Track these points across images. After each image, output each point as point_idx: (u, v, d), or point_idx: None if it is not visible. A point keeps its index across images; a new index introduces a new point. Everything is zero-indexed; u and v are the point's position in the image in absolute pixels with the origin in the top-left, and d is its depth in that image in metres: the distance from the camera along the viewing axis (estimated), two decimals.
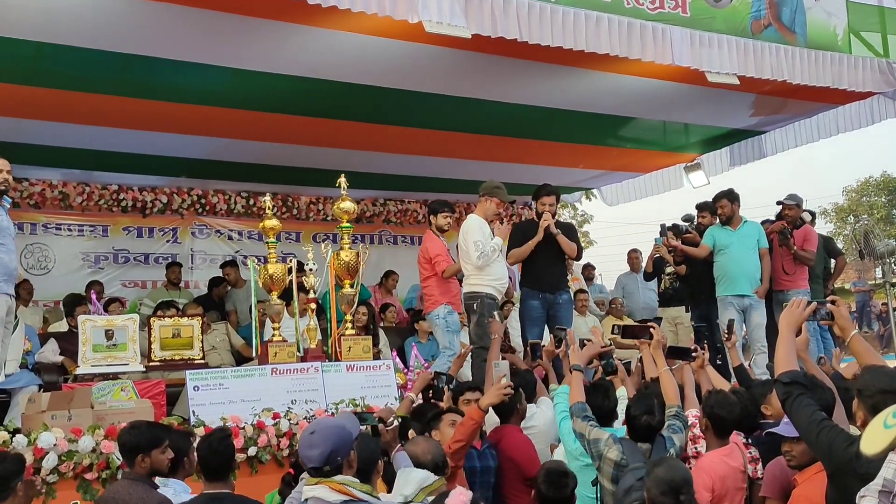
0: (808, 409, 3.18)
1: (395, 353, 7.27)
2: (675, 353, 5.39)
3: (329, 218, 11.29)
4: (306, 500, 3.23)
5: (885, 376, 3.04)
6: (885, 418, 0.95)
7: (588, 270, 12.25)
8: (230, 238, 11.48)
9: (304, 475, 3.44)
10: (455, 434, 4.39)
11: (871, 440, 0.91)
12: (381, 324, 9.64)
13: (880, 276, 16.68)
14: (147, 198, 10.74)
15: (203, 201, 11.10)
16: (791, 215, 8.55)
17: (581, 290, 10.45)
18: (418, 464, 3.84)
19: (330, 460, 3.23)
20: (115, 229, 10.77)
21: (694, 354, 5.23)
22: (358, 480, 3.27)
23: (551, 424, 5.24)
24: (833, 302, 3.68)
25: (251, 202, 11.25)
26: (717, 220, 8.43)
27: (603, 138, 10.05)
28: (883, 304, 20.74)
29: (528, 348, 6.68)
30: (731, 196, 8.36)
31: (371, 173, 10.40)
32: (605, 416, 4.66)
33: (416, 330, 9.03)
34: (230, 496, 3.53)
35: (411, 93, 7.81)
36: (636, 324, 5.94)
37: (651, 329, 4.98)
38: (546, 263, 7.58)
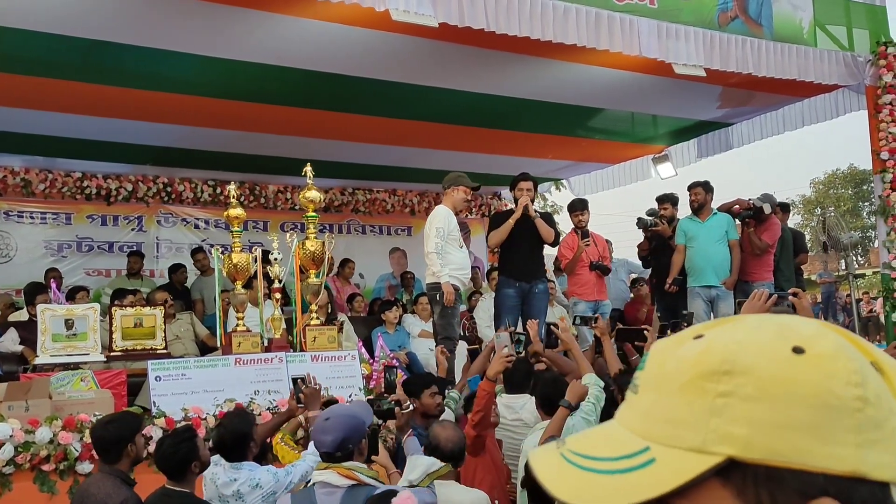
0: None
1: (360, 344, 7.23)
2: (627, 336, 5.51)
3: (297, 207, 11.18)
4: (314, 483, 3.32)
5: None
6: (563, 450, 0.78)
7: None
8: (196, 227, 11.38)
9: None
10: (474, 407, 4.61)
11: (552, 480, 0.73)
12: (349, 314, 9.61)
13: (844, 267, 16.90)
14: (112, 185, 10.61)
15: (169, 189, 10.99)
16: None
17: (549, 280, 10.46)
18: (438, 447, 3.93)
19: (342, 447, 3.35)
20: (79, 217, 10.64)
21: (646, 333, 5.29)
22: (366, 466, 3.38)
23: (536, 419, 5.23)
24: (795, 294, 3.70)
25: (218, 190, 11.15)
26: (690, 209, 8.52)
27: (571, 129, 10.06)
28: (848, 295, 21.00)
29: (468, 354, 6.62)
30: (706, 186, 8.49)
31: (339, 162, 10.35)
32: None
33: (383, 320, 9.00)
34: (180, 494, 3.52)
35: (379, 81, 7.77)
36: (631, 328, 6.07)
37: (645, 331, 5.07)
38: (523, 251, 7.58)
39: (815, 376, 0.73)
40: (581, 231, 8.70)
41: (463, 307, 10.32)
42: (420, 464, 3.64)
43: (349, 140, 9.53)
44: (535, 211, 7.64)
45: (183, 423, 5.11)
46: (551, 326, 5.70)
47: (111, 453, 3.89)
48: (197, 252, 10.34)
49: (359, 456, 3.43)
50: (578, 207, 8.80)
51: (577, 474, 0.76)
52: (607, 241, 11.56)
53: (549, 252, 11.44)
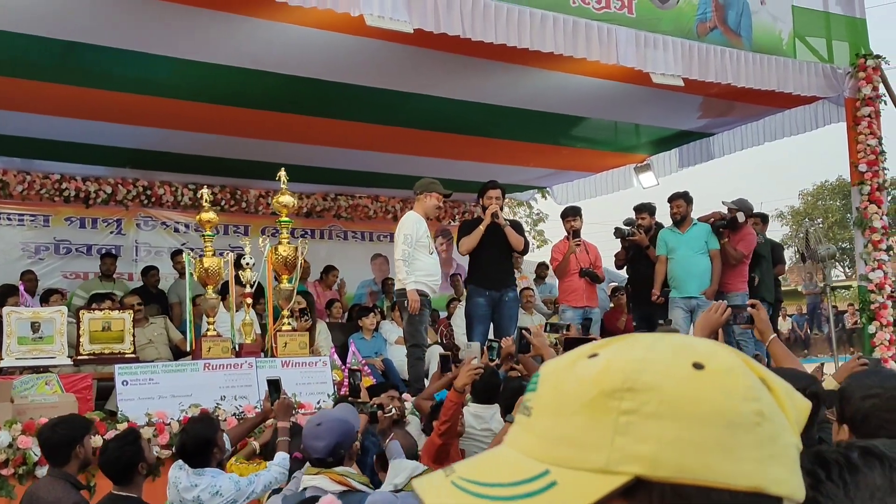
0: None
1: (333, 350, 7.19)
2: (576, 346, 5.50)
3: None
4: (305, 488, 3.31)
5: (790, 377, 3.06)
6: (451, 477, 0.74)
7: (541, 269, 12.25)
8: (176, 230, 11.30)
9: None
10: (441, 417, 4.58)
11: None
12: (327, 319, 9.56)
13: (823, 279, 16.92)
14: (91, 188, 10.53)
15: (149, 192, 10.91)
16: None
17: (527, 288, 10.44)
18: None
19: (334, 452, 3.36)
20: (57, 219, 10.54)
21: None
22: (356, 472, 3.40)
23: None
24: (753, 306, 3.68)
25: (197, 194, 10.97)
26: (671, 221, 8.51)
27: (551, 137, 10.04)
28: (834, 306, 20.98)
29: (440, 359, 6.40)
30: (686, 197, 8.49)
31: (321, 167, 10.32)
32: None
33: (360, 326, 8.95)
34: (128, 499, 3.48)
35: (358, 87, 7.75)
36: (579, 337, 6.04)
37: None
38: (492, 259, 7.56)
39: (715, 392, 0.73)
40: (573, 234, 8.71)
41: (443, 314, 10.30)
42: (404, 468, 3.65)
43: (331, 145, 9.50)
44: (504, 219, 7.61)
45: (146, 428, 5.06)
46: (523, 331, 5.67)
47: (59, 456, 3.85)
48: (177, 254, 10.27)
49: (349, 461, 3.45)
50: (571, 214, 8.79)
51: (472, 503, 0.72)
52: None
53: (532, 259, 11.47)
